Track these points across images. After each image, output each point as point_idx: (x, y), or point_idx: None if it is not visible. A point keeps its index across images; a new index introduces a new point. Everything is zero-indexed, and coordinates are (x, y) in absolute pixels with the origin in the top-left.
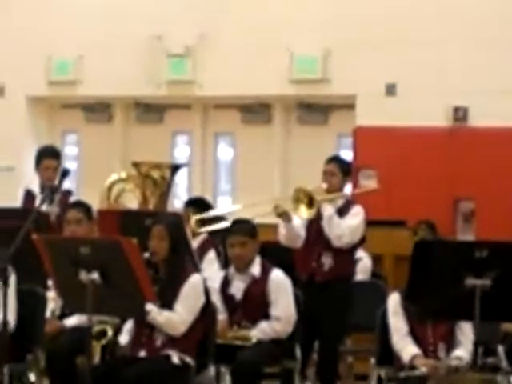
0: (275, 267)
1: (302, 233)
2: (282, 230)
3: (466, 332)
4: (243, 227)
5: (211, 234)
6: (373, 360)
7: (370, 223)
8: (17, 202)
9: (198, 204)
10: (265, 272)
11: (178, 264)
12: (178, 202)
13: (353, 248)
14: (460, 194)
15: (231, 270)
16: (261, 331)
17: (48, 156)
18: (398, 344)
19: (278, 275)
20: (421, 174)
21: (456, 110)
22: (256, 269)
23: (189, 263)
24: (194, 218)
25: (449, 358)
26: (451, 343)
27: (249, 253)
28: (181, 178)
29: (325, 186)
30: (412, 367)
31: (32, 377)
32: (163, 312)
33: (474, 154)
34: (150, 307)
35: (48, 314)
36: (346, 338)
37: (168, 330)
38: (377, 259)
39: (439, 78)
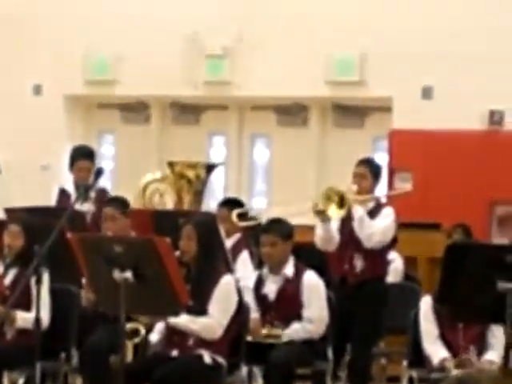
0: (308, 268)
1: (337, 236)
2: (319, 231)
3: (497, 335)
4: (276, 227)
5: (245, 233)
6: (405, 362)
7: (404, 225)
8: (52, 200)
9: (233, 204)
10: (298, 273)
11: (208, 263)
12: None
13: (384, 249)
14: (496, 197)
15: (265, 270)
16: (293, 332)
17: (82, 157)
18: (429, 348)
19: (311, 276)
20: (456, 177)
21: (492, 113)
22: (289, 269)
23: (220, 263)
24: (236, 212)
25: (480, 361)
26: (482, 346)
27: (278, 253)
28: (217, 178)
29: (355, 188)
30: (442, 369)
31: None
32: (198, 319)
33: (509, 158)
34: (184, 318)
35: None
36: (380, 340)
37: (206, 335)
38: (411, 262)
39: (475, 81)
